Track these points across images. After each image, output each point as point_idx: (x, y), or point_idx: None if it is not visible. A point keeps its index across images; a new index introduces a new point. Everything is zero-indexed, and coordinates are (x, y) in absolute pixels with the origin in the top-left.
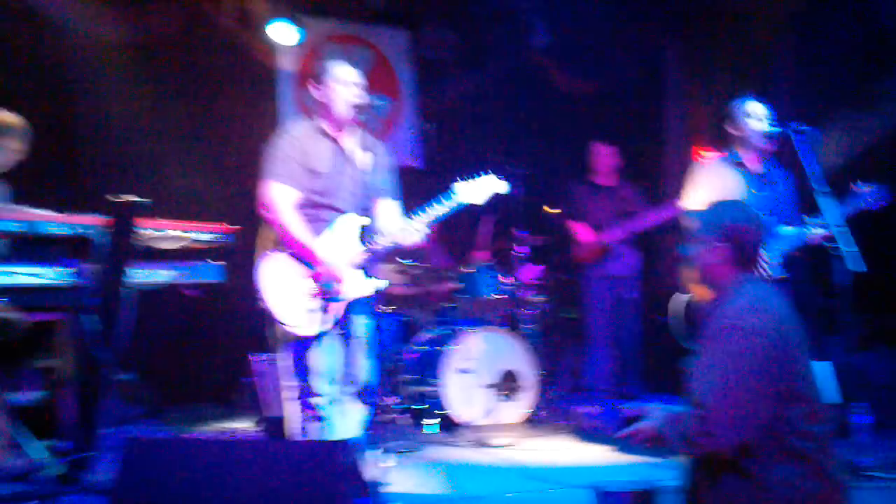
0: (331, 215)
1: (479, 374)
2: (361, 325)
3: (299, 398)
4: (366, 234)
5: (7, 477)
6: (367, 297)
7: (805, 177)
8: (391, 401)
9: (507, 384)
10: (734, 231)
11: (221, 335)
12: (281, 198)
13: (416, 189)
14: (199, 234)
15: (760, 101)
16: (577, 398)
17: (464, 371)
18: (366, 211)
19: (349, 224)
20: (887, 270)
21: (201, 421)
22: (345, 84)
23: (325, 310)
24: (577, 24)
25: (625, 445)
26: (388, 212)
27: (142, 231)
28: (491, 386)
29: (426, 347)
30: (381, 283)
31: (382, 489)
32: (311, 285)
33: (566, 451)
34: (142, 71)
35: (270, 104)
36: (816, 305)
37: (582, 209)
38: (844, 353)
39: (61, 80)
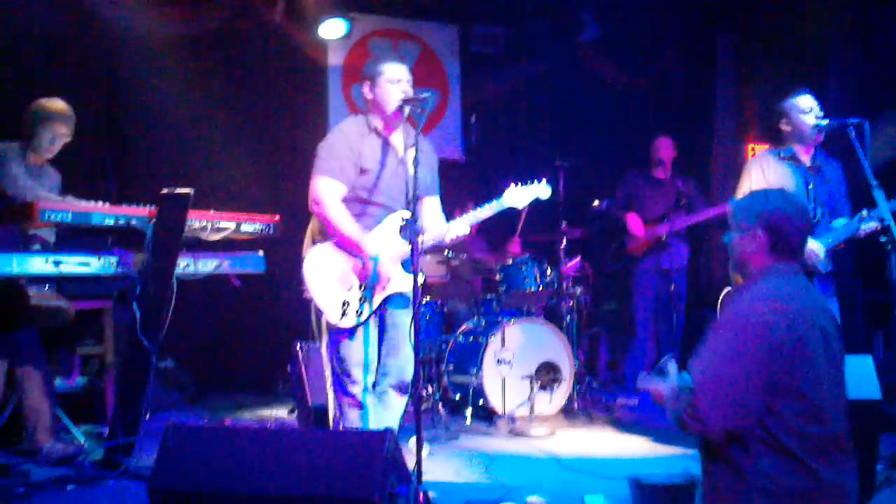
0: (378, 211)
1: (517, 365)
2: (401, 317)
3: (339, 387)
4: (409, 230)
5: (50, 461)
6: (405, 292)
7: (858, 170)
8: (430, 391)
9: (546, 375)
10: (772, 218)
11: (262, 324)
12: (329, 192)
13: (461, 182)
14: (245, 224)
15: (811, 95)
16: (616, 390)
17: (502, 362)
18: (414, 207)
19: (395, 220)
20: None
21: (241, 408)
22: (396, 82)
23: (366, 301)
24: (627, 17)
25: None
26: (430, 209)
27: (189, 222)
28: (529, 377)
29: (465, 338)
30: (421, 278)
31: (420, 478)
32: (355, 278)
33: (603, 443)
34: (190, 65)
35: (317, 98)
36: (863, 299)
37: (637, 200)
38: (889, 346)
39: (112, 73)
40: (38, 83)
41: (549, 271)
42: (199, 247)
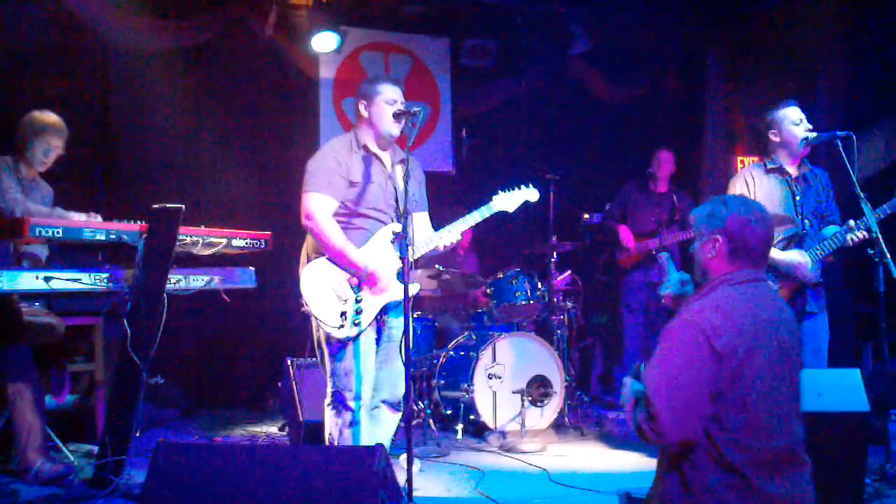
0: (367, 223)
1: (508, 380)
2: (396, 329)
3: (338, 403)
4: (400, 243)
5: (40, 480)
6: (400, 303)
7: (845, 182)
8: (421, 406)
9: (537, 390)
10: (731, 224)
11: (253, 340)
12: (320, 207)
13: (451, 194)
14: (236, 240)
15: (798, 107)
16: (607, 404)
17: (493, 376)
18: (405, 220)
19: (386, 234)
20: None
21: (232, 425)
22: (392, 103)
23: (360, 313)
24: (617, 32)
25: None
26: (422, 225)
27: (180, 237)
28: (520, 391)
29: (456, 353)
30: (413, 288)
31: (411, 494)
32: (351, 290)
33: (594, 458)
34: (182, 78)
35: (308, 111)
36: (852, 312)
37: (632, 212)
38: (878, 359)
39: (104, 87)
40: (29, 96)
41: (539, 285)
42: (190, 262)
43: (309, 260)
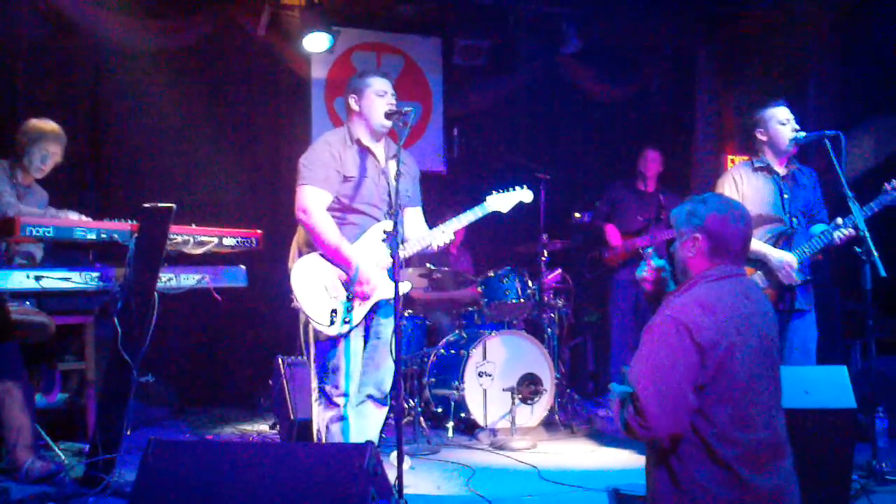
0: (360, 219)
1: (498, 378)
2: (385, 326)
3: (327, 400)
4: (392, 240)
5: (30, 478)
6: (391, 300)
7: (834, 181)
8: (412, 404)
9: (527, 387)
10: (710, 223)
11: (244, 339)
12: (315, 201)
13: (443, 193)
14: (227, 238)
15: (787, 106)
16: (597, 401)
17: (484, 374)
18: (394, 218)
19: (378, 232)
20: None
21: (223, 423)
22: (382, 95)
23: (351, 311)
24: (608, 30)
25: None
26: (414, 220)
27: (171, 236)
28: (510, 389)
29: (447, 351)
30: (405, 287)
31: (402, 492)
32: (342, 286)
33: (584, 455)
34: (173, 78)
35: (301, 111)
36: (840, 310)
37: (620, 211)
38: (866, 357)
39: (95, 87)
40: (20, 97)
41: (530, 283)
42: (181, 261)
43: (300, 254)
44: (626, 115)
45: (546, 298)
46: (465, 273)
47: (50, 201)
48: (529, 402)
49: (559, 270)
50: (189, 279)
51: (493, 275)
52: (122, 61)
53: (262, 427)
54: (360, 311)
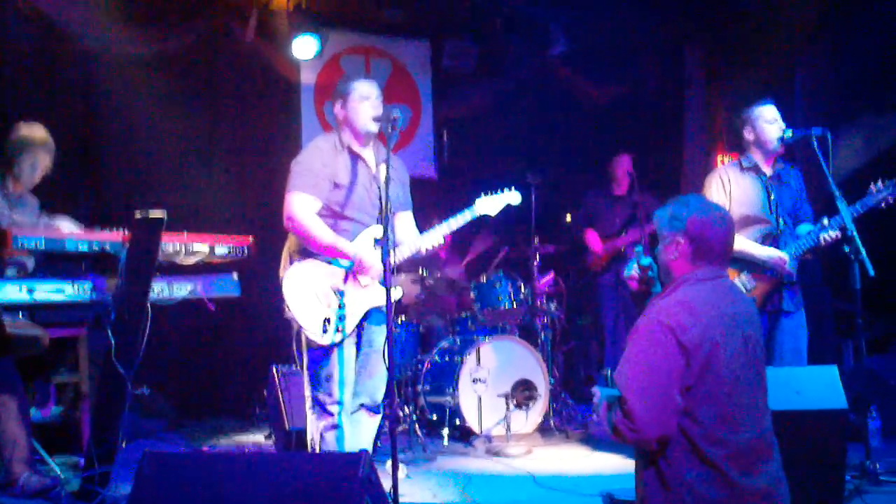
0: (351, 226)
1: (492, 384)
2: (377, 334)
3: (320, 408)
4: (383, 245)
5: (26, 493)
6: (383, 307)
7: (821, 179)
8: (407, 411)
9: (521, 393)
10: (692, 225)
11: (238, 348)
12: (303, 207)
13: (433, 197)
14: (219, 247)
15: (774, 106)
16: (591, 406)
17: (478, 381)
18: (386, 223)
19: (369, 236)
20: None
21: (219, 434)
22: (365, 98)
23: (343, 319)
24: (596, 32)
25: None
26: (404, 223)
27: (163, 245)
28: (505, 395)
29: (440, 358)
30: (396, 293)
31: (397, 501)
32: (334, 295)
33: (579, 460)
34: (163, 85)
35: (290, 116)
36: (831, 309)
37: (597, 217)
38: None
39: (85, 94)
40: (11, 105)
41: (522, 288)
42: (174, 271)
43: (291, 262)
44: (615, 116)
45: (539, 303)
46: (458, 279)
47: (41, 210)
48: (524, 407)
49: (552, 274)
50: (182, 289)
51: (485, 280)
52: (112, 68)
53: (258, 437)
54: (352, 319)
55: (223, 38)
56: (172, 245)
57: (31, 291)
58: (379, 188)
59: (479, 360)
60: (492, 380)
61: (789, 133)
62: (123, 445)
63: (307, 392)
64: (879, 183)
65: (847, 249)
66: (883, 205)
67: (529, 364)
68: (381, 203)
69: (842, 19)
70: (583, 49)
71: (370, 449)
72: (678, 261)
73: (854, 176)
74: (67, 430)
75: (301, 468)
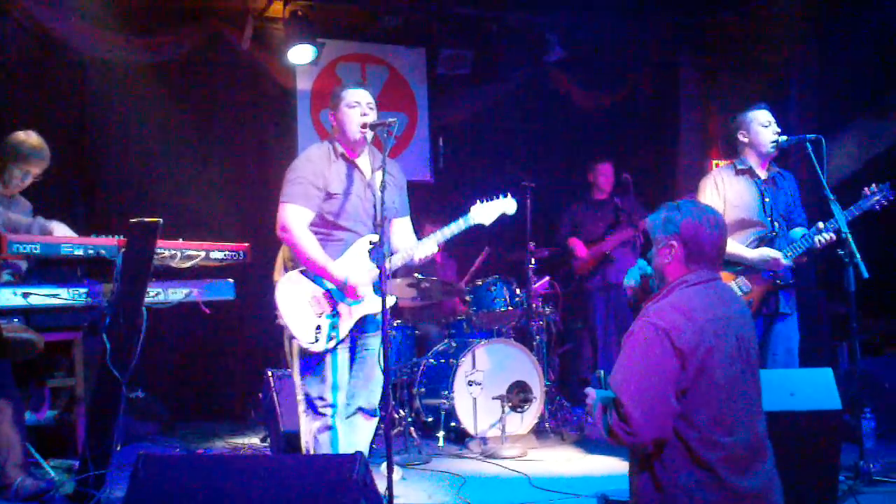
0: (346, 235)
1: (488, 386)
2: (371, 339)
3: (312, 411)
4: (377, 252)
5: (21, 496)
6: (377, 314)
7: (815, 184)
8: (402, 414)
9: (517, 395)
10: (685, 230)
11: (233, 352)
12: (296, 219)
13: (429, 203)
14: (214, 252)
15: (768, 110)
16: (586, 408)
17: (473, 383)
18: (380, 230)
19: (363, 245)
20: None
21: (214, 437)
22: (354, 106)
23: (338, 325)
24: (591, 39)
25: None
26: (402, 230)
27: (158, 251)
28: (500, 397)
29: (436, 360)
30: (389, 301)
31: (392, 502)
32: (326, 302)
33: (574, 462)
34: (159, 92)
35: (286, 123)
36: (826, 311)
37: (581, 225)
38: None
39: (81, 102)
40: (6, 111)
41: (518, 291)
42: (169, 275)
43: (286, 269)
44: (610, 122)
45: (534, 306)
46: (454, 282)
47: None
48: (519, 409)
49: (547, 278)
50: (177, 293)
51: (480, 283)
52: (108, 76)
53: (254, 440)
54: (345, 326)
55: (219, 46)
56: (168, 250)
57: (26, 296)
58: (374, 195)
59: (474, 362)
60: (487, 382)
61: (784, 138)
62: (118, 448)
63: (299, 396)
64: (874, 186)
65: (841, 252)
66: (877, 207)
67: (525, 366)
68: (375, 210)
69: (834, 26)
70: (578, 56)
71: (367, 452)
72: (672, 264)
73: (847, 180)
74: (62, 434)
75: (296, 471)
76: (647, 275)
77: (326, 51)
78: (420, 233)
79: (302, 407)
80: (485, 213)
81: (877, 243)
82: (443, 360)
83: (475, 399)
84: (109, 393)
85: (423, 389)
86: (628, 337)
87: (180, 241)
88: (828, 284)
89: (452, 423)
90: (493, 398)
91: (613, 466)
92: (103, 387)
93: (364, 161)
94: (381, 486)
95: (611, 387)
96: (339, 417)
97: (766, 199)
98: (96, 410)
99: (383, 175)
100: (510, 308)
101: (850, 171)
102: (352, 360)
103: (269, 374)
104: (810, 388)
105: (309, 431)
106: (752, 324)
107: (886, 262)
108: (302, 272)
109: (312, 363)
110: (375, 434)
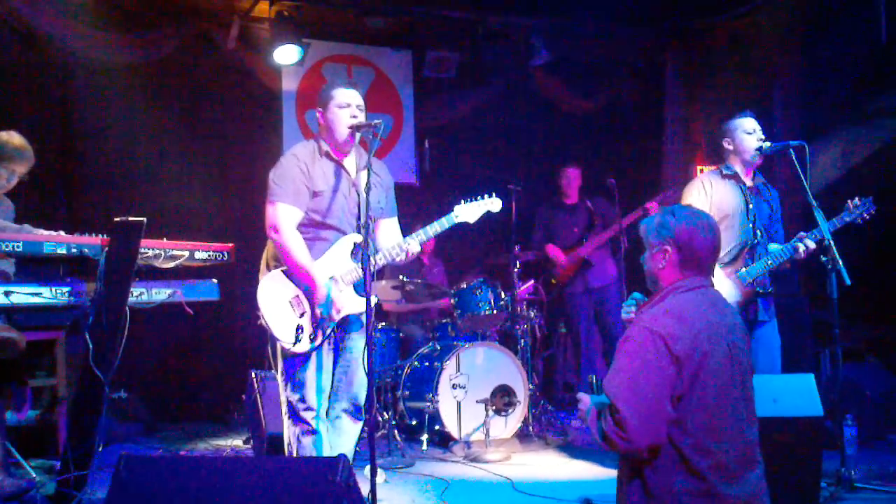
0: (332, 234)
1: (472, 390)
2: (355, 341)
3: (293, 414)
4: (362, 252)
5: (1, 496)
6: (360, 314)
7: (798, 191)
8: (386, 417)
9: (501, 399)
10: (680, 235)
11: (217, 353)
12: (286, 219)
13: (414, 206)
14: (198, 252)
15: (753, 117)
16: (570, 413)
17: (457, 386)
18: (366, 230)
19: (347, 244)
20: (877, 283)
21: (196, 438)
22: (345, 106)
23: (320, 326)
24: (577, 43)
25: None
26: (388, 230)
27: (142, 250)
28: (484, 401)
29: (420, 363)
30: (373, 300)
31: None
32: (307, 303)
33: (558, 466)
34: (144, 92)
35: (272, 124)
36: (809, 319)
37: (554, 230)
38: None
39: (65, 101)
40: None
41: (503, 295)
42: (153, 275)
43: (268, 269)
44: (595, 126)
45: (519, 310)
46: (439, 284)
47: (20, 216)
48: (503, 413)
49: (532, 281)
50: (160, 293)
51: (465, 286)
52: (93, 75)
53: (237, 442)
54: (326, 327)
55: (205, 46)
56: (152, 249)
57: (8, 294)
58: (359, 195)
59: (458, 365)
60: (471, 386)
61: (767, 145)
62: (100, 449)
63: (283, 398)
64: (857, 200)
65: (824, 259)
66: (860, 221)
67: (509, 370)
68: (360, 211)
69: (818, 35)
70: (563, 60)
71: (351, 454)
72: (666, 269)
73: (830, 188)
74: (44, 434)
75: (279, 473)
76: (642, 304)
77: (312, 51)
78: (407, 234)
79: (285, 409)
80: (469, 211)
81: (859, 250)
82: (427, 364)
83: (459, 402)
84: (91, 393)
85: (407, 392)
86: (623, 342)
87: (164, 240)
88: (810, 291)
89: (436, 427)
90: (478, 402)
91: (597, 471)
92: (85, 387)
93: (350, 161)
94: (365, 490)
95: (605, 392)
96: (323, 421)
97: (750, 206)
98: (78, 410)
99: (368, 175)
100: (495, 311)
101: (832, 177)
102: (335, 361)
103: (253, 375)
104: (792, 394)
105: (292, 435)
106: (743, 332)
107: (869, 269)
108: (284, 272)
109: (296, 364)
110: (359, 437)
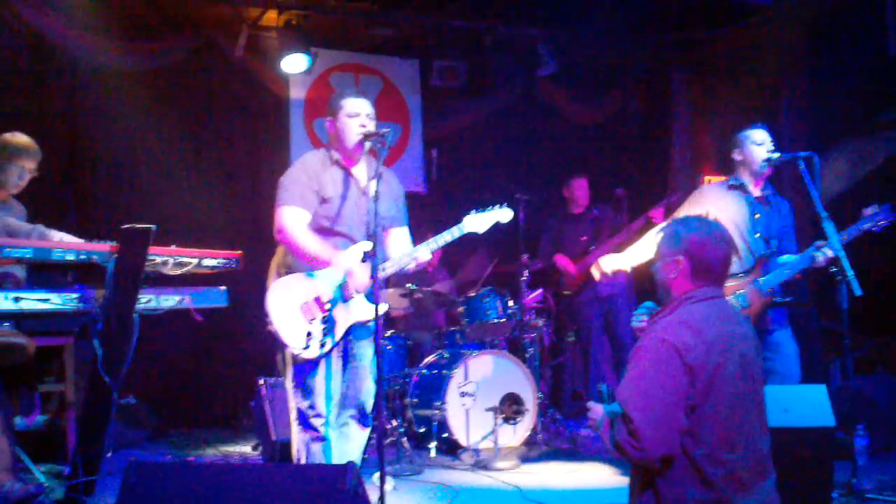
0: (341, 241)
1: (480, 398)
2: (364, 348)
3: (302, 421)
4: (371, 260)
5: (10, 501)
6: (368, 322)
7: (808, 202)
8: (394, 424)
9: (509, 407)
10: (692, 245)
11: (225, 360)
12: (294, 219)
13: (422, 214)
14: (207, 259)
15: (763, 128)
16: (579, 420)
17: (466, 394)
18: (375, 239)
19: (358, 252)
20: (888, 294)
21: (205, 445)
22: (354, 116)
23: (329, 332)
24: (584, 53)
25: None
26: (397, 239)
27: (151, 257)
28: (493, 409)
29: (429, 371)
30: (382, 308)
31: None
32: (317, 309)
33: (567, 474)
34: (152, 99)
35: (279, 132)
36: (819, 329)
37: (562, 240)
38: (844, 375)
39: (74, 108)
40: None
41: (511, 303)
42: (161, 282)
43: (278, 275)
44: (602, 136)
45: (527, 318)
46: (447, 293)
47: (29, 221)
48: (512, 421)
49: (540, 290)
50: (169, 300)
51: (474, 295)
52: (100, 82)
53: (245, 448)
54: (336, 332)
55: (212, 54)
56: (160, 256)
57: (17, 300)
58: (369, 203)
59: (467, 373)
60: (480, 393)
61: (776, 155)
62: (109, 455)
63: (291, 404)
64: (875, 206)
65: (835, 269)
66: (877, 228)
67: (517, 378)
68: (369, 219)
69: (825, 46)
70: (571, 71)
71: (358, 461)
72: (677, 279)
73: (839, 199)
74: (52, 439)
75: (288, 480)
76: (654, 314)
77: (320, 60)
78: (416, 243)
79: (293, 416)
80: (479, 222)
81: (870, 261)
82: (435, 371)
83: (468, 410)
84: (100, 399)
85: (415, 400)
86: (637, 352)
87: (173, 247)
88: (821, 301)
89: (444, 434)
90: (486, 410)
91: (606, 479)
92: (94, 393)
93: (360, 169)
94: (373, 497)
95: (618, 401)
96: (331, 428)
97: (757, 216)
98: (87, 416)
99: (377, 184)
100: (503, 320)
101: (840, 189)
102: (344, 368)
103: (261, 382)
104: (804, 404)
105: (301, 442)
106: (755, 342)
107: (879, 279)
108: (294, 278)
109: (306, 371)
110: (367, 444)
